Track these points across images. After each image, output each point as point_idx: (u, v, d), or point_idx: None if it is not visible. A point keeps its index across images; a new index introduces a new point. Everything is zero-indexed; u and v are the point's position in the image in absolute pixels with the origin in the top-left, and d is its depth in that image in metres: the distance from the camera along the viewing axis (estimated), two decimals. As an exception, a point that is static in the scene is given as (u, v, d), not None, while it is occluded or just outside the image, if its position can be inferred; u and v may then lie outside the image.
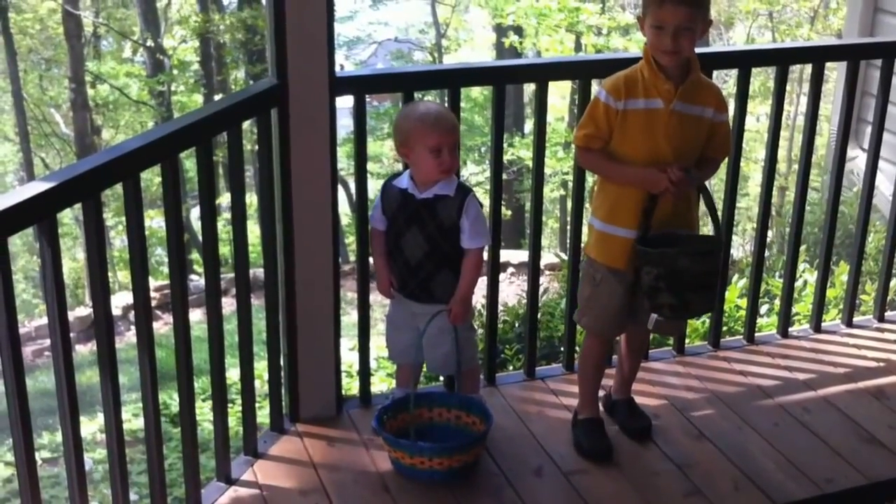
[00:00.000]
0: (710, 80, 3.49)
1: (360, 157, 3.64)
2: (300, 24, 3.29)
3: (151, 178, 15.59)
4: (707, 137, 3.37)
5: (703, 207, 3.48)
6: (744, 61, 4.13)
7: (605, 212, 3.43)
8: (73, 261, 18.45)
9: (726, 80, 17.54)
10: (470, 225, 3.39)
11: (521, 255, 12.40)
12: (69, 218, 17.29)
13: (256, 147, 3.53)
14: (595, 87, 3.57)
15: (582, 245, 3.69)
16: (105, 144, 18.91)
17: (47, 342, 10.21)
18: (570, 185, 4.79)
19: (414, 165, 3.41)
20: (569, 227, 4.15)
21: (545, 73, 3.94)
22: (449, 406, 3.66)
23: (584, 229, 3.68)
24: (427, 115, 3.36)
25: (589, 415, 3.68)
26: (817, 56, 4.28)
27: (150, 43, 18.88)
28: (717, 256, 3.40)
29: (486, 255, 3.62)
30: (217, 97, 18.40)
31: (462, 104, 3.80)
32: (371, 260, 3.67)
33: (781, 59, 4.21)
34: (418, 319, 3.52)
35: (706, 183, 3.46)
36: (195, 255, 16.26)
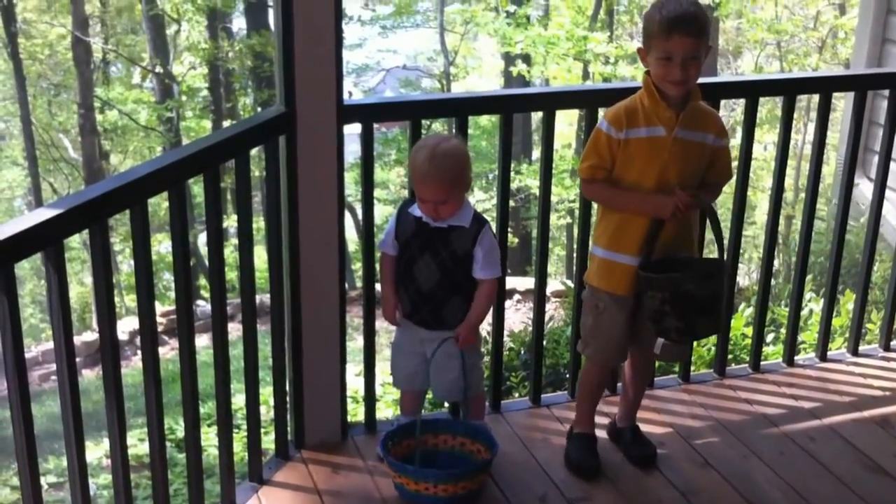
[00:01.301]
0: (710, 107, 3.51)
1: (368, 185, 3.66)
2: (309, 52, 3.31)
3: (159, 203, 15.66)
4: (708, 163, 3.41)
5: (710, 234, 3.49)
6: (751, 91, 4.16)
7: (607, 239, 3.46)
8: (81, 285, 18.48)
9: (734, 109, 17.60)
10: (483, 256, 3.41)
11: (528, 283, 12.41)
12: (77, 242, 17.31)
13: (264, 173, 3.54)
14: (602, 115, 3.58)
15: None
16: (113, 169, 18.98)
17: (53, 366, 10.21)
18: (577, 212, 4.79)
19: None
20: (575, 255, 4.16)
21: (552, 101, 3.96)
22: (454, 433, 3.66)
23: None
24: (421, 166, 3.34)
25: (582, 430, 3.73)
26: (825, 86, 4.28)
27: (158, 69, 18.97)
28: (721, 279, 3.42)
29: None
30: (225, 123, 18.48)
31: (470, 130, 3.82)
32: (378, 286, 3.68)
33: (789, 90, 4.22)
34: (426, 346, 3.53)
35: (713, 205, 3.51)
36: (202, 281, 16.29)
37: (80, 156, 19.14)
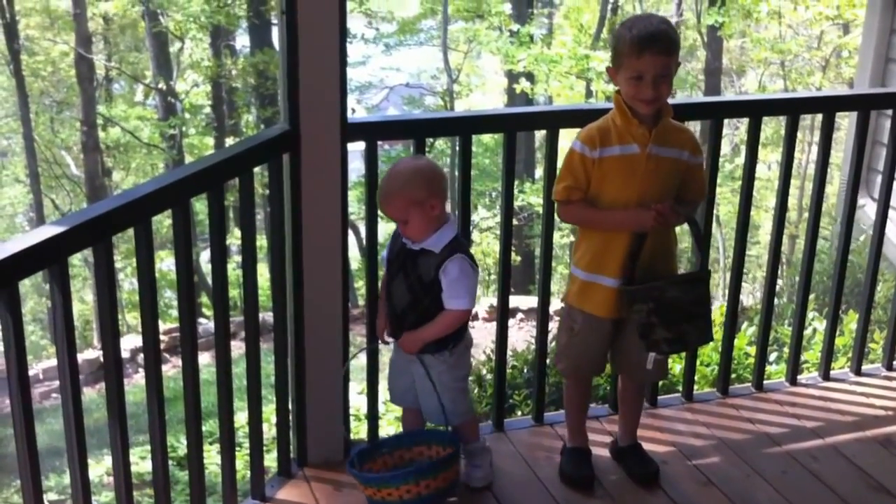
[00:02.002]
0: (682, 124, 3.51)
1: (372, 202, 3.65)
2: (313, 69, 3.32)
3: (161, 220, 15.66)
4: (683, 181, 3.42)
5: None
6: (755, 110, 4.17)
7: (587, 262, 3.47)
8: (82, 302, 18.48)
9: (737, 128, 17.63)
10: (448, 286, 3.35)
11: (530, 301, 12.41)
12: (79, 259, 17.33)
13: (267, 191, 3.55)
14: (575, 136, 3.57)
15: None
16: (116, 186, 19.03)
17: (55, 384, 10.22)
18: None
19: None
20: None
21: (555, 120, 3.97)
22: (428, 443, 3.64)
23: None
24: (380, 189, 3.40)
25: (575, 444, 3.77)
26: (828, 106, 4.29)
27: (162, 86, 19.02)
28: (704, 284, 3.47)
29: (484, 310, 3.62)
30: (229, 140, 18.54)
31: (473, 148, 3.83)
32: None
33: (792, 109, 4.23)
34: (414, 365, 3.52)
35: (696, 216, 3.58)
36: (203, 299, 16.29)
37: (83, 173, 19.18)
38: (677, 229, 3.59)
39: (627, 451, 3.79)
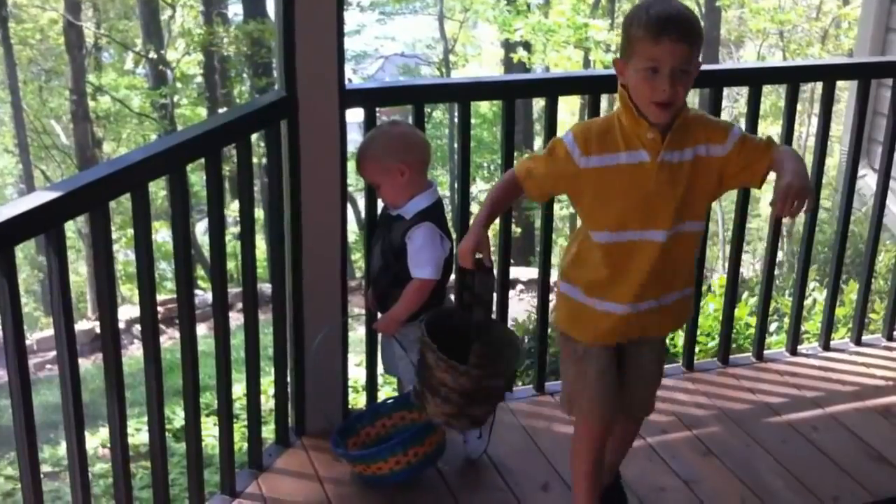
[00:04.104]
0: (692, 110, 2.85)
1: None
2: (310, 33, 3.31)
3: (155, 192, 15.65)
4: (724, 174, 2.79)
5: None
6: (755, 79, 4.17)
7: (587, 282, 2.93)
8: (76, 274, 18.46)
9: (737, 100, 17.62)
10: (412, 253, 3.38)
11: (530, 273, 12.46)
12: (72, 231, 17.31)
13: (262, 160, 3.56)
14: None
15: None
16: (106, 157, 18.96)
17: (49, 355, 10.20)
18: None
19: None
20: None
21: (556, 87, 3.96)
22: (409, 407, 3.66)
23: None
24: (356, 153, 3.45)
25: None
26: (829, 74, 4.30)
27: (152, 55, 18.94)
28: (467, 378, 3.01)
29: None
30: (221, 111, 18.48)
31: (471, 119, 3.84)
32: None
33: (792, 77, 4.24)
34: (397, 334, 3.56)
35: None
36: (199, 271, 16.29)
37: (73, 143, 19.12)
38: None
39: (609, 489, 3.38)
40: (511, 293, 3.74)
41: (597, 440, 3.07)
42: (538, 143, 19.26)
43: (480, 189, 18.56)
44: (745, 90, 4.39)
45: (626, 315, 2.89)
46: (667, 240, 2.79)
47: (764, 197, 16.61)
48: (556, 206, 4.12)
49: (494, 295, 3.11)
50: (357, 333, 3.76)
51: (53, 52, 20.50)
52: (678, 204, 2.77)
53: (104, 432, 7.28)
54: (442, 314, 3.24)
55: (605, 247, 2.83)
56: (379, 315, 3.62)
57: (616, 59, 2.79)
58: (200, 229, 16.70)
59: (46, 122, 20.87)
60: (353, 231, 16.47)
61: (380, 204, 3.57)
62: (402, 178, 3.36)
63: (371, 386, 3.98)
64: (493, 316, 3.36)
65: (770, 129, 17.90)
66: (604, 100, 3.98)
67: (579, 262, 2.92)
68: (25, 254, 17.21)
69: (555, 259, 4.02)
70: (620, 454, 3.36)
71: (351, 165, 3.67)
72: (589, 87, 4.01)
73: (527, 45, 17.78)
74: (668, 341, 4.49)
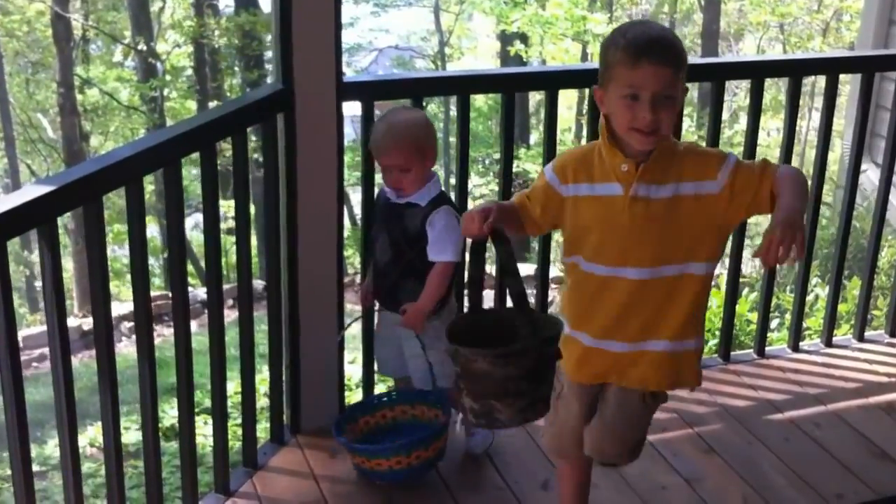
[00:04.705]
0: (684, 142, 2.75)
1: (368, 165, 3.67)
2: (307, 25, 3.31)
3: (144, 187, 15.57)
4: (728, 211, 2.61)
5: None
6: (757, 72, 4.18)
7: (570, 314, 2.83)
8: (63, 271, 18.34)
9: (736, 94, 17.64)
10: (434, 237, 3.41)
11: (527, 269, 12.45)
12: (59, 226, 17.19)
13: (254, 155, 3.56)
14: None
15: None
16: (94, 151, 18.89)
17: (34, 353, 10.13)
18: None
19: None
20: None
21: (556, 80, 3.97)
22: (411, 402, 3.70)
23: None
24: (375, 135, 3.41)
25: None
26: (832, 67, 4.33)
27: (142, 47, 18.90)
28: (529, 359, 2.68)
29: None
30: (212, 104, 18.45)
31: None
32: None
33: (795, 71, 4.25)
34: (399, 330, 3.56)
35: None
36: (189, 267, 16.26)
37: (60, 137, 19.06)
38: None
39: None
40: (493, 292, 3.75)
41: (569, 470, 3.10)
42: (534, 137, 19.27)
43: (475, 184, 18.56)
44: (743, 84, 4.40)
45: (593, 349, 2.76)
46: (646, 279, 2.65)
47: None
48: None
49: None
50: (350, 330, 3.75)
51: (40, 44, 20.43)
52: (656, 243, 2.63)
53: (91, 431, 7.29)
54: (457, 329, 2.86)
55: (581, 275, 2.73)
56: (377, 308, 3.63)
57: (595, 87, 2.64)
58: (188, 224, 16.66)
59: (33, 115, 20.81)
60: (345, 227, 16.42)
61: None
62: (431, 164, 3.41)
63: (368, 381, 3.98)
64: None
65: (770, 123, 17.93)
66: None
67: (567, 293, 2.84)
68: (11, 249, 17.11)
69: (553, 255, 4.01)
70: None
71: (348, 158, 3.66)
72: (589, 80, 3.96)
73: (523, 38, 17.78)
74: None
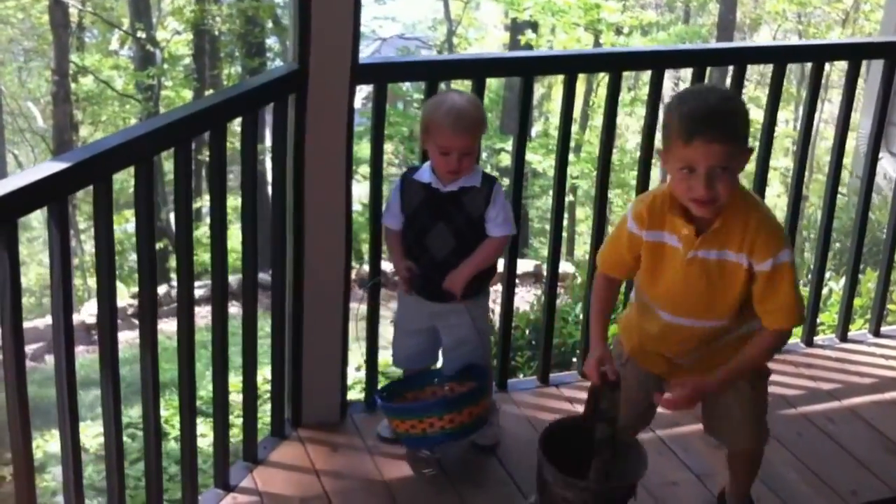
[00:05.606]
0: (756, 208, 2.81)
1: (378, 150, 3.66)
2: (327, 5, 3.29)
3: (127, 179, 15.50)
4: (748, 290, 2.82)
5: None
6: (779, 57, 4.20)
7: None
8: (42, 266, 18.25)
9: (746, 85, 17.57)
10: (497, 213, 3.43)
11: (524, 265, 12.54)
12: (38, 221, 17.08)
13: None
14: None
15: None
16: (82, 141, 18.81)
17: (30, 348, 10.07)
18: (585, 190, 4.73)
19: (430, 156, 3.46)
20: (589, 231, 4.18)
21: (575, 64, 3.96)
22: (441, 382, 3.71)
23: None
24: (450, 112, 3.33)
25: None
26: (856, 53, 4.33)
27: (141, 34, 18.85)
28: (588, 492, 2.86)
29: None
30: (208, 93, 18.40)
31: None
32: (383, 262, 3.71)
33: (818, 55, 4.28)
34: (436, 320, 3.57)
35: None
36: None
37: (50, 126, 18.98)
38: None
39: None
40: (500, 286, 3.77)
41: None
42: (536, 128, 19.23)
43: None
44: (753, 76, 4.43)
45: (674, 362, 3.03)
46: (703, 329, 2.90)
47: (771, 184, 16.55)
48: (553, 194, 4.11)
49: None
50: (351, 331, 3.75)
51: (36, 31, 20.40)
52: (704, 299, 2.83)
53: (83, 426, 7.29)
54: (556, 427, 3.11)
55: (650, 313, 2.97)
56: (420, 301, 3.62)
57: (658, 149, 2.79)
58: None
59: (23, 104, 20.75)
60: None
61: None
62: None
63: (371, 375, 4.00)
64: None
65: (780, 113, 17.90)
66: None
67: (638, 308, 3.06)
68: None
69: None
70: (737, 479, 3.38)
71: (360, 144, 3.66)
72: (608, 64, 4.00)
73: (534, 27, 17.70)
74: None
